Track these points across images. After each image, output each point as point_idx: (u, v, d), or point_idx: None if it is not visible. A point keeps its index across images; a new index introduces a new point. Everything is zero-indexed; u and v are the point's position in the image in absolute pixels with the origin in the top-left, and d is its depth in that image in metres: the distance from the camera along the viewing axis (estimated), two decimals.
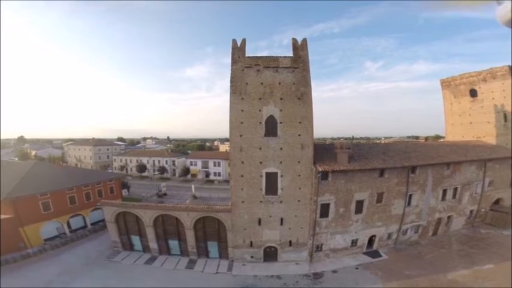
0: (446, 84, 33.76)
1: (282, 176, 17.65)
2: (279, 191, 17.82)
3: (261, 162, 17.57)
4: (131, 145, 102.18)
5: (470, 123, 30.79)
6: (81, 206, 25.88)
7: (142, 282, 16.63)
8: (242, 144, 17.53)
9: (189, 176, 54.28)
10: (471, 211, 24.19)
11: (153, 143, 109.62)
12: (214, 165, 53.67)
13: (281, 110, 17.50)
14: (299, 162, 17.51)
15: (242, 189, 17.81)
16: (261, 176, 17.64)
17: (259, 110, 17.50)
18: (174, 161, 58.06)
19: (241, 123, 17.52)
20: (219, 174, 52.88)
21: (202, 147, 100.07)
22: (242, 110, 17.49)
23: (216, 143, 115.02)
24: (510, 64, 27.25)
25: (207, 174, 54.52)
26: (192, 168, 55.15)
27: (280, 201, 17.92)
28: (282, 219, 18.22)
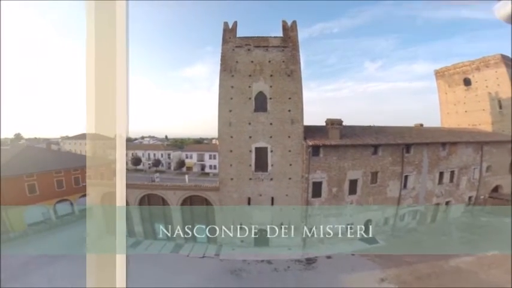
0: (440, 74, 33.69)
1: (272, 151, 17.22)
2: (269, 168, 17.32)
3: (250, 137, 17.18)
4: (128, 142, 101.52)
5: (466, 111, 30.59)
6: (69, 191, 25.18)
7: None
8: (231, 119, 17.23)
9: (184, 169, 53.67)
10: (470, 197, 23.61)
11: (151, 141, 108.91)
12: (210, 158, 53.07)
13: (271, 86, 17.41)
14: (289, 137, 17.12)
15: (231, 165, 17.33)
16: (251, 151, 17.21)
17: (249, 87, 17.42)
18: (169, 154, 57.49)
19: (231, 99, 17.38)
20: (215, 167, 52.14)
21: (199, 142, 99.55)
22: (232, 87, 17.45)
23: (214, 141, 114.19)
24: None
25: (203, 167, 53.91)
26: (187, 161, 54.55)
27: (271, 179, 17.38)
28: (272, 199, 17.62)
